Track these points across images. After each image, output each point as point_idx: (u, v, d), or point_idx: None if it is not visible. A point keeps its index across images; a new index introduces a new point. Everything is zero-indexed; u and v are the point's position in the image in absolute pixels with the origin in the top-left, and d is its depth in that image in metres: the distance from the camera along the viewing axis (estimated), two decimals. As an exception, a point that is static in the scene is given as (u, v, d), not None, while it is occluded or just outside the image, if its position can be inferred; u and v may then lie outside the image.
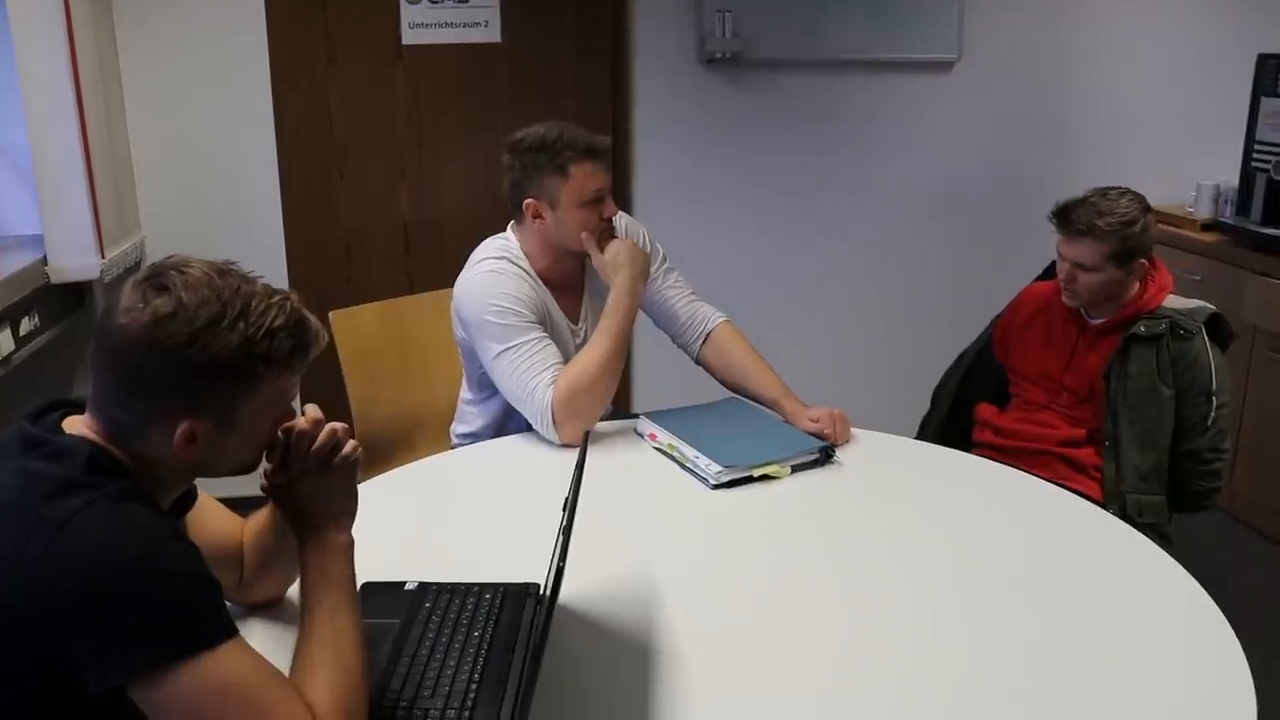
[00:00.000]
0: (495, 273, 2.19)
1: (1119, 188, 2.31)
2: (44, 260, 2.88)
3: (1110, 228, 2.24)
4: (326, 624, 1.23)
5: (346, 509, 1.32)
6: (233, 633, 1.13)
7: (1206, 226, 3.76)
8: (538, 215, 2.19)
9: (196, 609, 1.11)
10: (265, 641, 1.42)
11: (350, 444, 1.33)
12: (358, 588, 1.30)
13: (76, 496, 1.09)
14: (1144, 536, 1.80)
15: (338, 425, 1.32)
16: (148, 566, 1.09)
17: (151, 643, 1.07)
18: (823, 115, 3.79)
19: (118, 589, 1.06)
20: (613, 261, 2.19)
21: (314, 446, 1.29)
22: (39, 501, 1.09)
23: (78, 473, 1.12)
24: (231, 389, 1.18)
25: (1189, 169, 3.90)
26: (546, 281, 2.25)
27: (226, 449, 1.23)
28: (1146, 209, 2.30)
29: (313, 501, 1.30)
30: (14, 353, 2.66)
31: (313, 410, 1.31)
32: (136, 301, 1.15)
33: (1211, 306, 2.35)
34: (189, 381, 1.15)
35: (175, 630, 1.08)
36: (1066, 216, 2.29)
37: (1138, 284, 2.34)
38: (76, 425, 1.20)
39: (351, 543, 1.31)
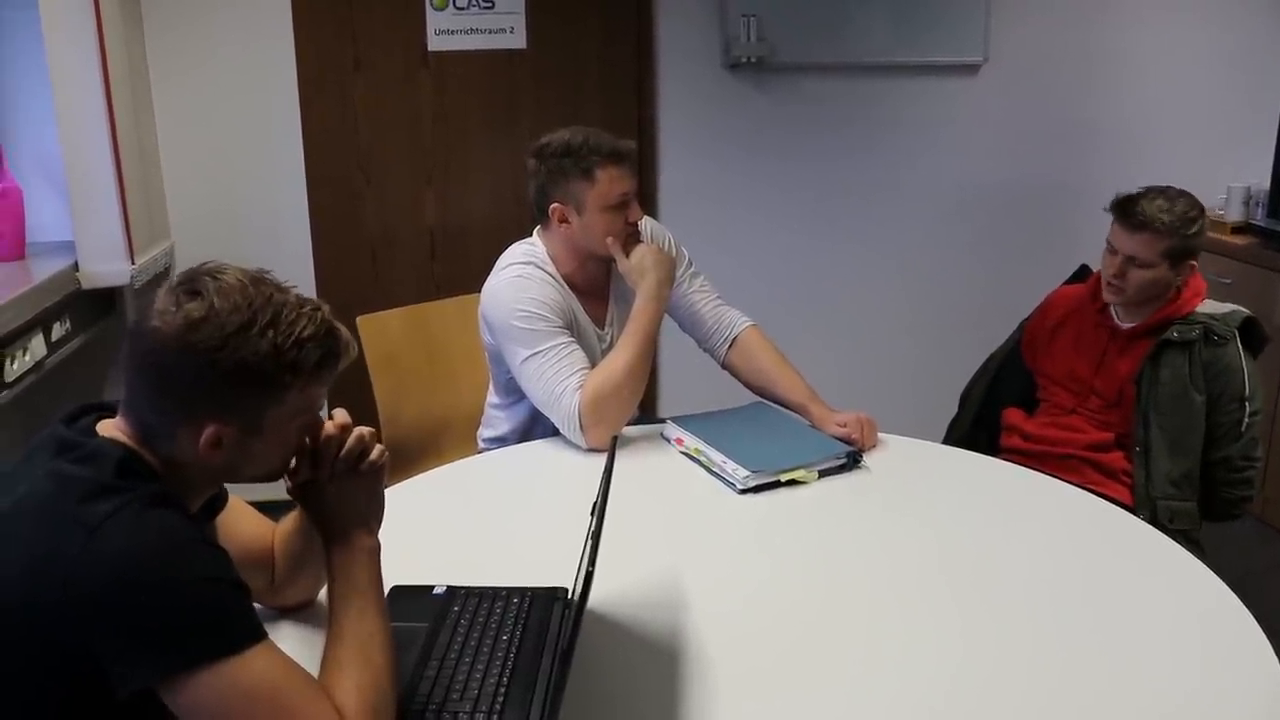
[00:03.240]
0: (522, 278, 2.19)
1: (1175, 188, 2.30)
2: (75, 266, 2.91)
3: (1172, 224, 2.23)
4: (354, 627, 1.24)
5: (373, 513, 1.33)
6: (261, 636, 1.14)
7: (1237, 229, 3.73)
8: (563, 220, 2.19)
9: (224, 613, 1.12)
10: (296, 644, 1.42)
11: (377, 449, 1.33)
12: (385, 591, 1.30)
13: (108, 500, 1.10)
14: (1175, 543, 1.79)
15: (365, 430, 1.33)
16: (176, 571, 1.10)
17: (178, 646, 1.08)
18: (848, 119, 3.78)
19: (146, 592, 1.08)
20: (638, 266, 2.19)
21: (342, 451, 1.30)
22: (72, 504, 1.10)
23: (109, 476, 1.13)
24: (259, 396, 1.19)
25: (1219, 171, 3.87)
26: (572, 286, 2.26)
27: (252, 455, 1.24)
28: (1202, 211, 2.29)
29: (339, 505, 1.31)
30: (46, 357, 2.68)
31: (340, 415, 1.32)
32: (170, 305, 1.16)
33: (1246, 311, 2.33)
34: (217, 386, 1.16)
35: (202, 634, 1.09)
36: (1129, 208, 2.28)
37: (1174, 288, 2.33)
38: (109, 429, 1.22)
39: (378, 546, 1.32)
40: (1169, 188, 2.30)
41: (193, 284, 1.17)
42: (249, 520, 1.48)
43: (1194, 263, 2.30)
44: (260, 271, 1.22)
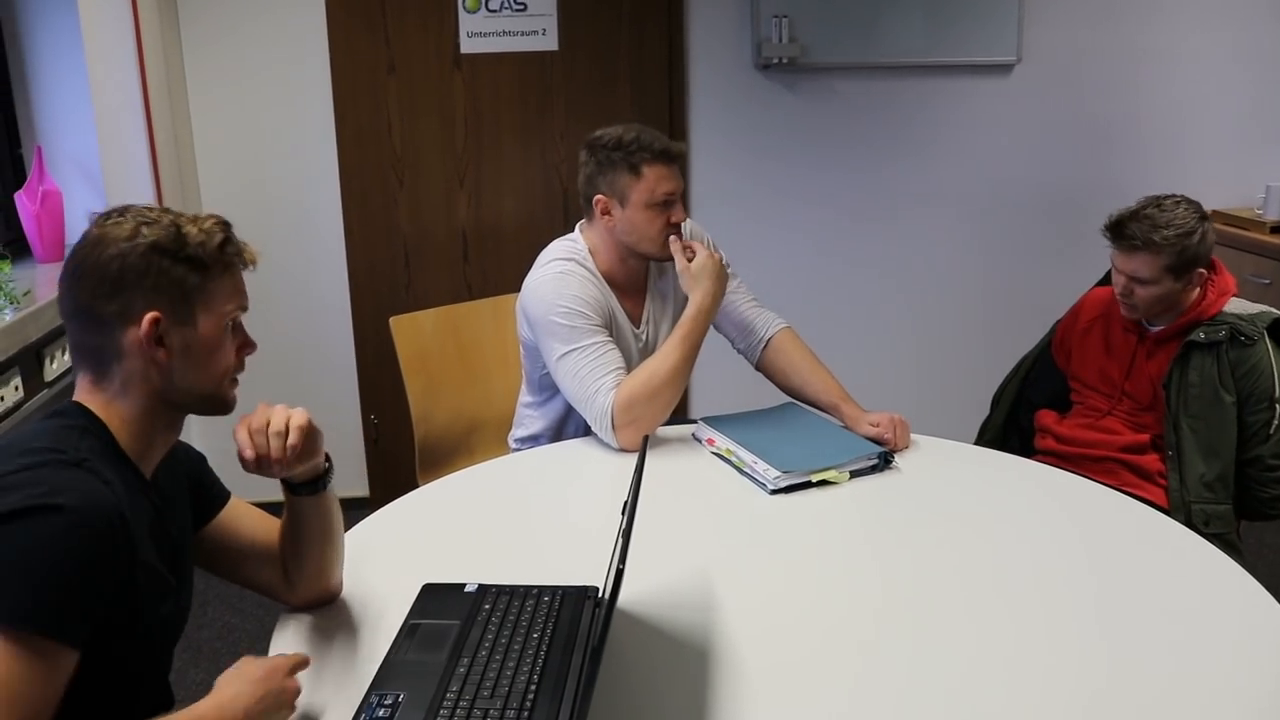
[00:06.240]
0: (564, 274, 2.20)
1: (1174, 196, 2.25)
2: (113, 267, 2.94)
3: (1167, 241, 2.19)
4: None
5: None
6: (52, 633, 1.10)
7: (1276, 229, 3.68)
8: (606, 212, 2.21)
9: (22, 582, 1.10)
10: (299, 644, 1.44)
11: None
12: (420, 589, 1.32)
13: (24, 458, 1.18)
14: (1212, 546, 1.77)
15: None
16: (9, 526, 1.10)
17: None
18: (880, 120, 3.77)
19: None
20: (697, 274, 2.19)
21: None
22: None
23: (44, 441, 1.22)
24: (180, 275, 1.28)
25: (1258, 170, 3.82)
26: (610, 282, 2.27)
27: (190, 353, 1.29)
28: (1204, 217, 2.24)
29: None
30: (84, 357, 2.72)
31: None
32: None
33: (1276, 311, 2.29)
34: (140, 264, 1.26)
35: None
36: (1121, 230, 2.24)
37: (1197, 291, 2.30)
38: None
39: None
40: (1166, 198, 2.25)
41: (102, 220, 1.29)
42: (252, 517, 1.53)
43: (1203, 270, 2.26)
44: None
